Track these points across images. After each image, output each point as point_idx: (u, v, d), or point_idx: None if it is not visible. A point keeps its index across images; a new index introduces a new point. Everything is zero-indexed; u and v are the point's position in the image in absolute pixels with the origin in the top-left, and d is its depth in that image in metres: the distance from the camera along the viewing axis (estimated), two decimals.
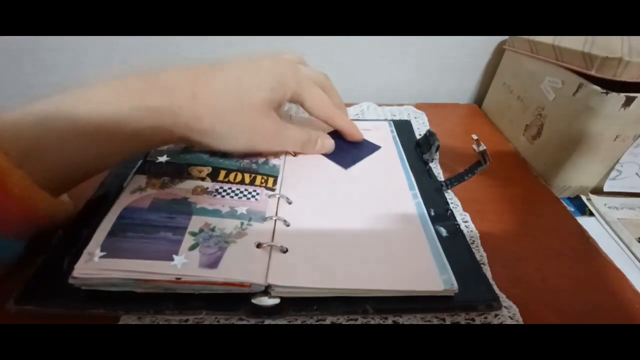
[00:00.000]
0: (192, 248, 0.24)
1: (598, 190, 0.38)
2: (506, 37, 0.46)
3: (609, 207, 0.36)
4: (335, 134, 0.38)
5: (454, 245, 0.27)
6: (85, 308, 0.22)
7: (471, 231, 0.30)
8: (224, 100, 0.27)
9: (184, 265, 0.22)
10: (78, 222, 0.27)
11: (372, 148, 0.37)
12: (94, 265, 0.22)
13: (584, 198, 0.38)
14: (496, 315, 0.24)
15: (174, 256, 0.23)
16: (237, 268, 0.23)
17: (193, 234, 0.25)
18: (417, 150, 0.38)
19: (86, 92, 0.24)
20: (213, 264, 0.23)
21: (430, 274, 0.24)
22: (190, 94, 0.26)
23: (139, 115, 0.24)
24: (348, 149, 0.36)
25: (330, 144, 0.35)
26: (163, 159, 0.31)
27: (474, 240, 0.29)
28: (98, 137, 0.24)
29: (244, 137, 0.29)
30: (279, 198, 0.29)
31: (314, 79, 0.32)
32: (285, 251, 0.25)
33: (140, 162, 0.30)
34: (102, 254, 0.22)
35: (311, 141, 0.33)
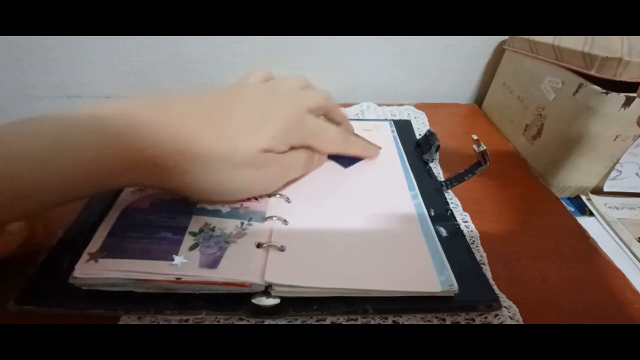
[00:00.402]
0: (192, 248, 0.24)
1: (598, 190, 0.38)
2: (506, 37, 0.46)
3: (609, 207, 0.36)
4: None
5: (453, 245, 0.27)
6: (85, 308, 0.22)
7: (471, 231, 0.30)
8: (214, 153, 0.23)
9: (184, 265, 0.22)
10: (78, 222, 0.27)
11: None
12: (95, 265, 0.22)
13: (584, 198, 0.38)
14: (496, 315, 0.24)
15: (174, 256, 0.23)
16: (237, 268, 0.23)
17: (193, 234, 0.25)
18: (417, 150, 0.38)
19: (70, 148, 0.20)
20: (213, 264, 0.23)
21: (427, 275, 0.24)
22: (179, 148, 0.22)
23: (125, 178, 0.22)
24: None
25: (322, 157, 0.33)
26: None
27: (474, 240, 0.29)
28: (84, 191, 0.22)
29: (234, 190, 0.26)
30: (279, 197, 0.29)
31: (318, 106, 0.29)
32: (283, 250, 0.25)
33: None
34: (103, 254, 0.22)
35: (312, 160, 0.31)
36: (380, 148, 0.36)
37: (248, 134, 0.25)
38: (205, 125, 0.24)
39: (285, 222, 0.27)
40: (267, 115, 0.26)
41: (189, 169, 0.23)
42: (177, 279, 0.22)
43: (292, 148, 0.28)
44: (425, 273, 0.24)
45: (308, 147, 0.29)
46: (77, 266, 0.22)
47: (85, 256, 0.22)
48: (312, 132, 0.29)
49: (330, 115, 0.32)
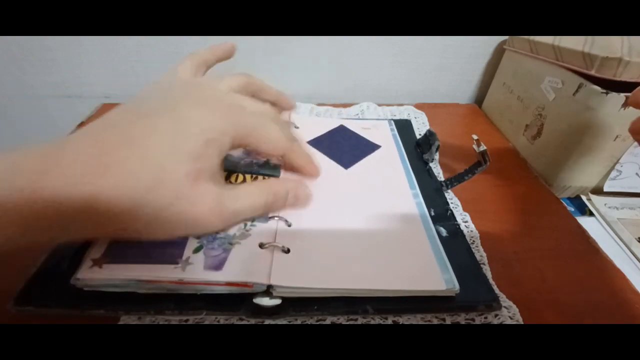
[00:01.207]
0: (196, 250, 0.23)
1: (598, 190, 0.38)
2: (506, 37, 0.46)
3: (609, 207, 0.36)
4: (334, 133, 0.38)
5: (454, 245, 0.27)
6: (85, 309, 0.22)
7: (471, 231, 0.30)
8: (130, 199, 0.19)
9: (189, 268, 0.22)
10: None
11: (371, 147, 0.37)
12: (99, 271, 0.22)
13: (584, 198, 0.38)
14: (496, 315, 0.24)
15: (179, 259, 0.23)
16: (243, 269, 0.23)
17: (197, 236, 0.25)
18: (417, 150, 0.38)
19: None
20: (218, 265, 0.23)
21: (432, 274, 0.24)
22: (85, 198, 0.18)
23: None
24: (348, 149, 0.36)
25: (306, 195, 0.28)
26: None
27: (474, 240, 0.29)
28: None
29: (171, 227, 0.21)
30: None
31: (239, 85, 0.27)
32: (287, 251, 0.25)
33: None
34: (107, 259, 0.22)
35: (278, 200, 0.26)
36: (317, 174, 0.30)
37: (166, 163, 0.20)
38: (110, 162, 0.19)
39: (287, 223, 0.27)
40: (180, 133, 0.21)
41: (106, 222, 0.19)
42: (180, 279, 0.22)
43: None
44: (429, 271, 0.24)
45: (246, 146, 0.25)
46: (81, 272, 0.21)
47: (88, 262, 0.22)
48: (247, 131, 0.24)
49: (261, 95, 0.28)
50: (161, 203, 0.20)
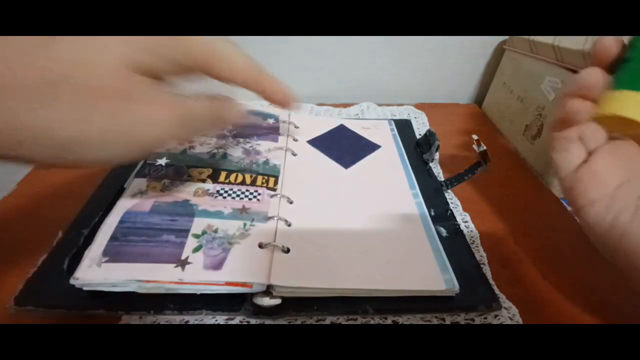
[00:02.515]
0: (195, 250, 0.24)
1: None
2: (506, 37, 0.46)
3: None
4: (334, 133, 0.38)
5: (454, 245, 0.27)
6: (85, 308, 0.22)
7: (471, 231, 0.30)
8: (45, 75, 0.16)
9: (188, 268, 0.22)
10: (78, 222, 0.27)
11: (371, 147, 0.37)
12: (98, 270, 0.22)
13: None
14: (496, 316, 0.24)
15: (178, 259, 0.23)
16: (242, 269, 0.23)
17: (196, 236, 0.24)
18: (417, 150, 0.38)
19: None
20: (217, 265, 0.23)
21: (432, 274, 0.24)
22: None
23: None
24: (348, 149, 0.36)
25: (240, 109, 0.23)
26: (162, 161, 0.31)
27: (474, 240, 0.29)
28: None
29: (98, 136, 0.16)
30: (280, 198, 0.29)
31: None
32: (287, 251, 0.25)
33: (139, 164, 0.30)
34: (105, 259, 0.22)
35: (222, 108, 0.22)
36: (292, 101, 0.25)
37: (102, 46, 0.18)
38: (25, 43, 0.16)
39: (287, 222, 0.27)
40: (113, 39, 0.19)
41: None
42: (179, 279, 0.22)
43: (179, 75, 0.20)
44: (429, 272, 0.24)
45: (208, 69, 0.21)
46: (80, 272, 0.21)
47: (87, 261, 0.22)
48: (207, 45, 0.21)
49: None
50: (94, 83, 0.16)
